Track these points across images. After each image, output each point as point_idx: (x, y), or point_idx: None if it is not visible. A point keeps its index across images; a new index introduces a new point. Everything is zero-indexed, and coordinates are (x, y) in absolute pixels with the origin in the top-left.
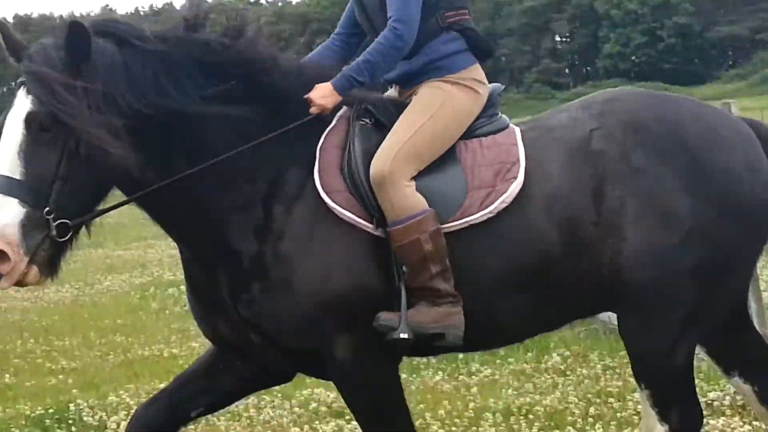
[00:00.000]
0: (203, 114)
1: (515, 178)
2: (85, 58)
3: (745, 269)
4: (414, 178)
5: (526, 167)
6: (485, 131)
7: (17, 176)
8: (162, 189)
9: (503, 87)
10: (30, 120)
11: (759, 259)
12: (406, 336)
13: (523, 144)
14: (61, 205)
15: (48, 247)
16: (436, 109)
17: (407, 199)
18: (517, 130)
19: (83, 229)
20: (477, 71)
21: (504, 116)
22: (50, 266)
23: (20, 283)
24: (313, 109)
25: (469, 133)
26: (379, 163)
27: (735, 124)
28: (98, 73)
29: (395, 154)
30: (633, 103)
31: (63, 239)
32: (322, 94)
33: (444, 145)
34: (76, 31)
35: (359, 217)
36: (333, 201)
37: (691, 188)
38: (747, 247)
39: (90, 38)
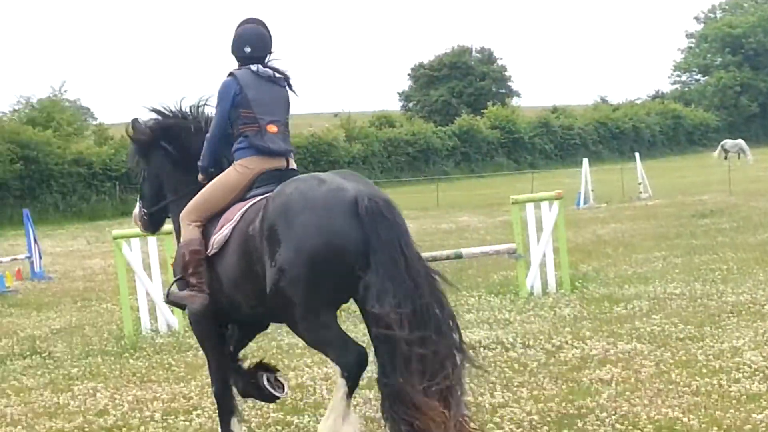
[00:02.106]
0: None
1: (225, 231)
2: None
3: (323, 284)
4: (202, 220)
5: (237, 224)
6: (248, 196)
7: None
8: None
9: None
10: None
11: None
12: (165, 299)
13: (249, 207)
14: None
15: (143, 216)
16: (215, 181)
17: (186, 232)
18: (257, 199)
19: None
20: (247, 160)
21: (273, 188)
22: (144, 227)
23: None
24: None
25: (243, 197)
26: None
27: (326, 200)
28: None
29: (187, 207)
30: (288, 183)
31: (146, 216)
32: None
33: (216, 202)
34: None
35: None
36: None
37: (286, 238)
38: (319, 272)
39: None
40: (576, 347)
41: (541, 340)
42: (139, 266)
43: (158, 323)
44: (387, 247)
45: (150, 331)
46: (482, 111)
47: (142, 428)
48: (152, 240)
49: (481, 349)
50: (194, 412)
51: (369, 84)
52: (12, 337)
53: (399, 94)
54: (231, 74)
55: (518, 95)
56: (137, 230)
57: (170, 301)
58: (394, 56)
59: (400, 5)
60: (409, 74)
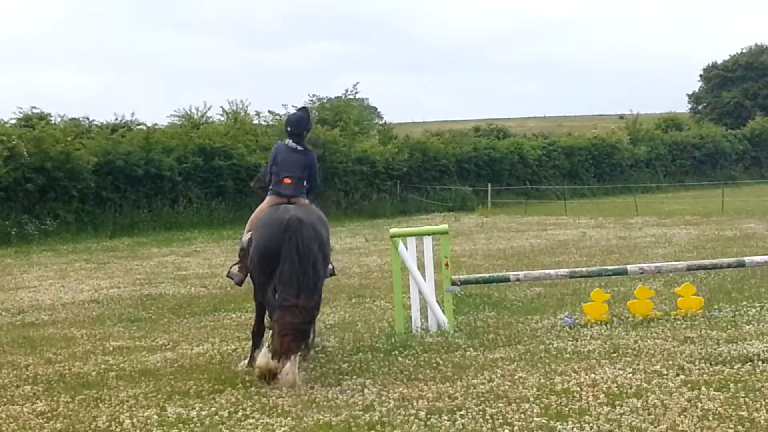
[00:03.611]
0: None
1: (247, 236)
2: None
3: (262, 267)
4: (250, 228)
5: (253, 232)
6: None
7: None
8: None
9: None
10: None
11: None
12: (226, 275)
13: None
14: None
15: None
16: (258, 208)
17: (243, 236)
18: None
19: None
20: (269, 198)
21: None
22: None
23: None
24: None
25: None
26: None
27: (272, 220)
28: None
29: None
30: (269, 211)
31: None
32: None
33: (255, 218)
34: None
35: None
36: None
37: (255, 238)
38: (261, 259)
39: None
40: None
41: None
42: (413, 265)
43: (428, 322)
44: (288, 246)
45: (420, 330)
46: None
47: (406, 426)
48: (428, 240)
49: (759, 362)
50: (458, 413)
51: (657, 85)
52: None
53: (688, 95)
54: (277, 144)
55: None
56: (413, 229)
57: (227, 275)
58: (685, 57)
59: (693, 4)
60: (700, 75)
